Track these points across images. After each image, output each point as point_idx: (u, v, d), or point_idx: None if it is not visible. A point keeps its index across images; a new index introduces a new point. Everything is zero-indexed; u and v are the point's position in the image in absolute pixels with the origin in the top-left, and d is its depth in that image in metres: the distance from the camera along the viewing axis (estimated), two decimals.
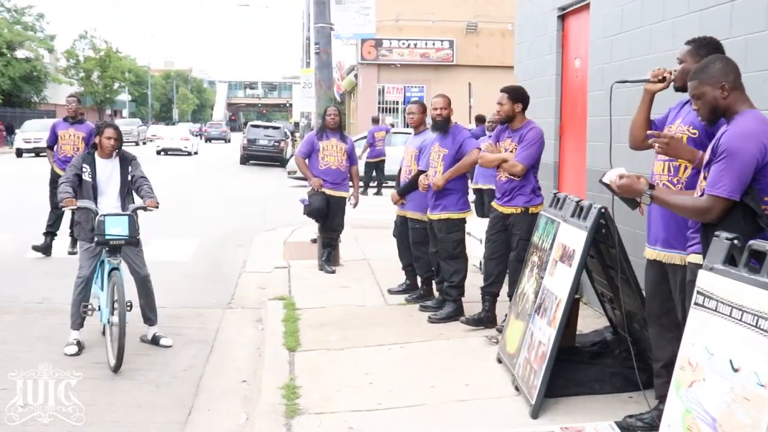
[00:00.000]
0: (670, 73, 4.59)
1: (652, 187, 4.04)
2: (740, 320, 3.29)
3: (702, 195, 3.82)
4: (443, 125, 7.57)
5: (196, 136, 54.96)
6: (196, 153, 43.40)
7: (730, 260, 3.50)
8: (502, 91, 6.91)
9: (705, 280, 3.60)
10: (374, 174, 21.40)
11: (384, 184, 21.24)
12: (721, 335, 3.41)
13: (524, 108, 6.82)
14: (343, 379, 5.74)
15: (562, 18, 8.70)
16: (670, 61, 4.88)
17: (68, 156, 10.44)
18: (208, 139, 66.22)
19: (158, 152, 41.21)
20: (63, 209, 6.74)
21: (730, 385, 3.29)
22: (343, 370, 5.97)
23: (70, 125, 11.00)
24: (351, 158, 10.00)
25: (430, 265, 8.03)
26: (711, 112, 4.00)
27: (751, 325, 3.22)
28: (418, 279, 8.40)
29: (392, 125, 28.09)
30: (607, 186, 4.21)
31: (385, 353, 6.43)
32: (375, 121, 22.58)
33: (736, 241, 3.51)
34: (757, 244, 3.36)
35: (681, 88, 4.52)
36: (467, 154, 7.38)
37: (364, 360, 6.22)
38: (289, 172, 24.79)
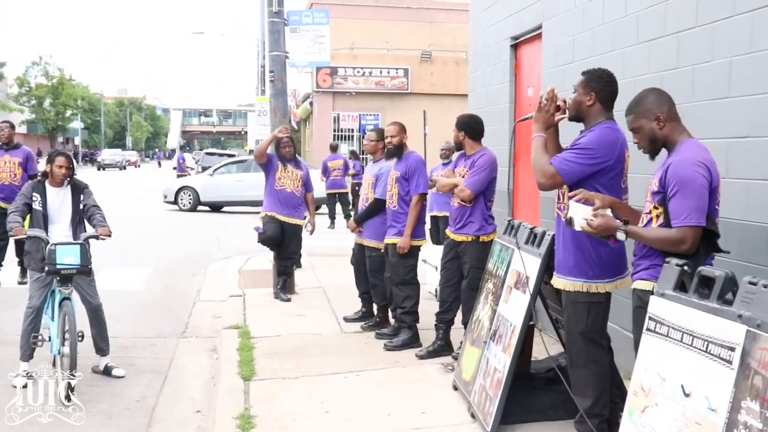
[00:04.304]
0: (564, 102, 4.68)
1: (625, 222, 4.10)
2: (691, 345, 3.34)
3: (668, 227, 3.87)
4: (395, 152, 7.64)
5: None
6: (193, 168, 63.55)
7: (681, 286, 3.56)
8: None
9: (656, 306, 3.64)
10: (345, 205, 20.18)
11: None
12: (673, 360, 3.45)
13: (472, 135, 6.83)
14: (298, 408, 5.70)
15: (515, 47, 8.83)
16: (622, 89, 4.97)
17: (4, 184, 10.29)
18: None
19: (174, 168, 57.54)
20: (9, 238, 6.62)
21: (681, 410, 3.33)
22: (298, 399, 5.93)
23: (5, 152, 10.69)
24: (306, 185, 10.01)
25: (386, 293, 8.04)
26: (650, 143, 4.10)
27: (702, 350, 3.26)
28: (374, 306, 8.39)
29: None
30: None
31: (341, 381, 6.40)
32: (332, 149, 21.32)
33: (686, 267, 3.57)
34: (707, 270, 3.42)
35: (573, 118, 4.63)
36: (411, 206, 7.44)
37: (319, 388, 6.18)
38: (164, 196, 25.31)
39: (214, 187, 24.74)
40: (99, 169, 63.83)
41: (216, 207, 24.94)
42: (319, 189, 17.04)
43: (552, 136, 4.79)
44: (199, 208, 24.80)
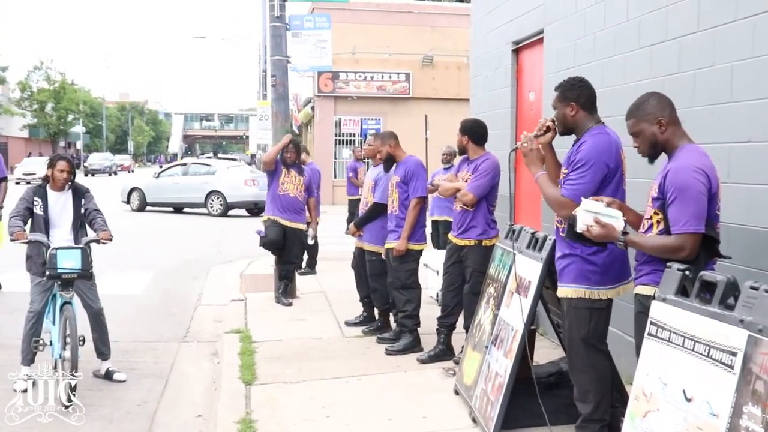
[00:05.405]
0: (553, 121, 4.68)
1: (624, 234, 4.08)
2: (692, 350, 3.33)
3: (667, 233, 3.86)
4: (389, 162, 7.71)
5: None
6: None
7: (683, 291, 3.55)
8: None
9: (658, 311, 3.64)
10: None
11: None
12: (674, 365, 3.44)
13: (475, 140, 6.84)
14: (299, 413, 5.69)
15: (517, 52, 8.83)
16: (623, 94, 4.98)
17: None
18: None
19: None
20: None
21: (683, 415, 3.32)
22: (299, 404, 5.92)
23: None
24: (309, 190, 10.03)
25: (387, 297, 8.03)
26: (651, 147, 4.09)
27: (703, 355, 3.26)
28: (376, 311, 8.38)
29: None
30: (579, 235, 4.19)
31: (343, 386, 6.40)
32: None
33: (687, 272, 3.56)
34: (708, 275, 3.41)
35: (564, 133, 4.66)
36: (409, 209, 7.41)
37: (321, 393, 6.18)
38: (121, 196, 25.90)
39: (157, 189, 25.43)
40: (86, 175, 58.35)
41: (177, 208, 25.52)
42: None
43: (549, 154, 4.78)
44: (178, 210, 25.38)
